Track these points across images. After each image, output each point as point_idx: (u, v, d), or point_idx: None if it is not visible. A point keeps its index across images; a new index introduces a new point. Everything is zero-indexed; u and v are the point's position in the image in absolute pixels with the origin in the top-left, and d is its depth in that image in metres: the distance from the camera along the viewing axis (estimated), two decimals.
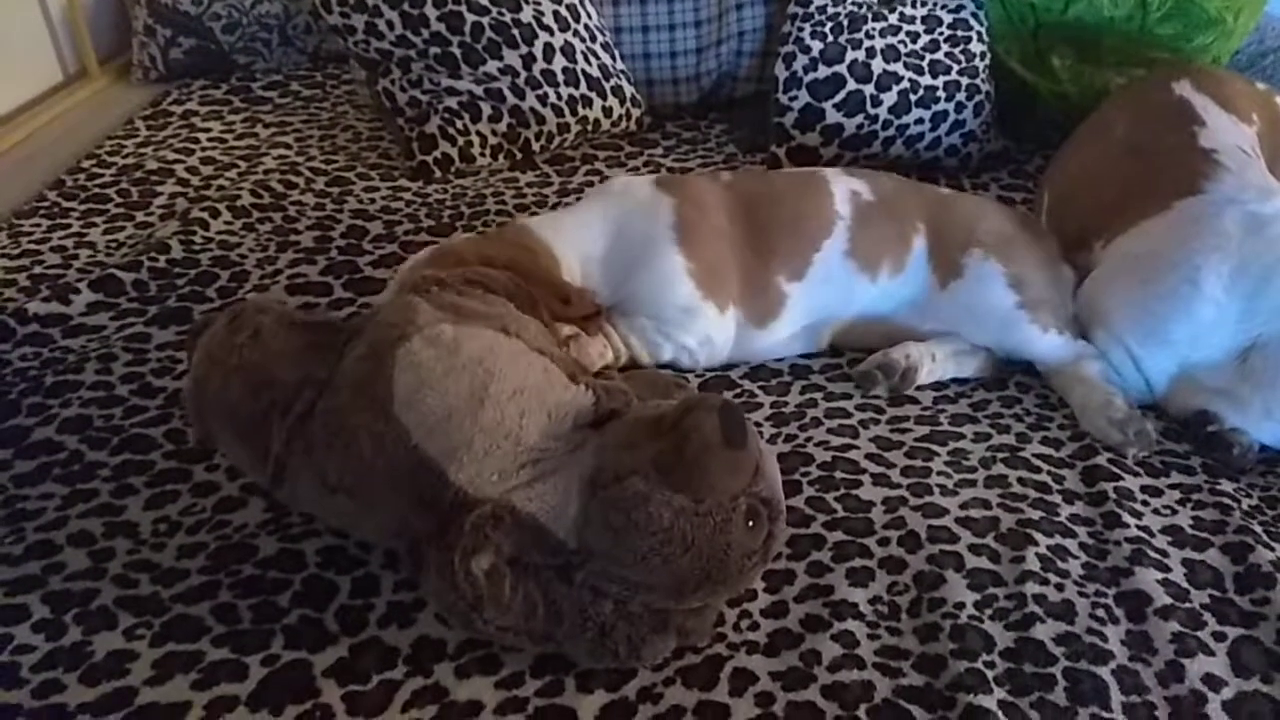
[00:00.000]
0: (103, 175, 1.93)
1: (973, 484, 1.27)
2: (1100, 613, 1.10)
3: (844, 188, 1.50)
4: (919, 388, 1.45)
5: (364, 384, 1.02)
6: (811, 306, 1.46)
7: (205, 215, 1.76)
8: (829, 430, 1.36)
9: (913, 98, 1.94)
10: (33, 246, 1.72)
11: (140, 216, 1.82)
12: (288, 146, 2.03)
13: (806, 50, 1.96)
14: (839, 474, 1.27)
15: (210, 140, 2.07)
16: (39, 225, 1.78)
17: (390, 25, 1.92)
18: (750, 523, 0.97)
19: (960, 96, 1.96)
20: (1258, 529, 1.21)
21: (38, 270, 1.65)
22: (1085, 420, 1.37)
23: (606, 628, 0.99)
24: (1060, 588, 1.12)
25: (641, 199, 1.45)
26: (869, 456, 1.31)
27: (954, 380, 1.47)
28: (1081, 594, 1.12)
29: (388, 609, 1.08)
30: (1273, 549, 1.18)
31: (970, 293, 1.44)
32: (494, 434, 1.00)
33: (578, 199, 1.62)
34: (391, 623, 1.06)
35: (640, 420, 1.03)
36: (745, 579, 1.02)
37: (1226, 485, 1.29)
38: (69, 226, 1.78)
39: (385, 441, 0.99)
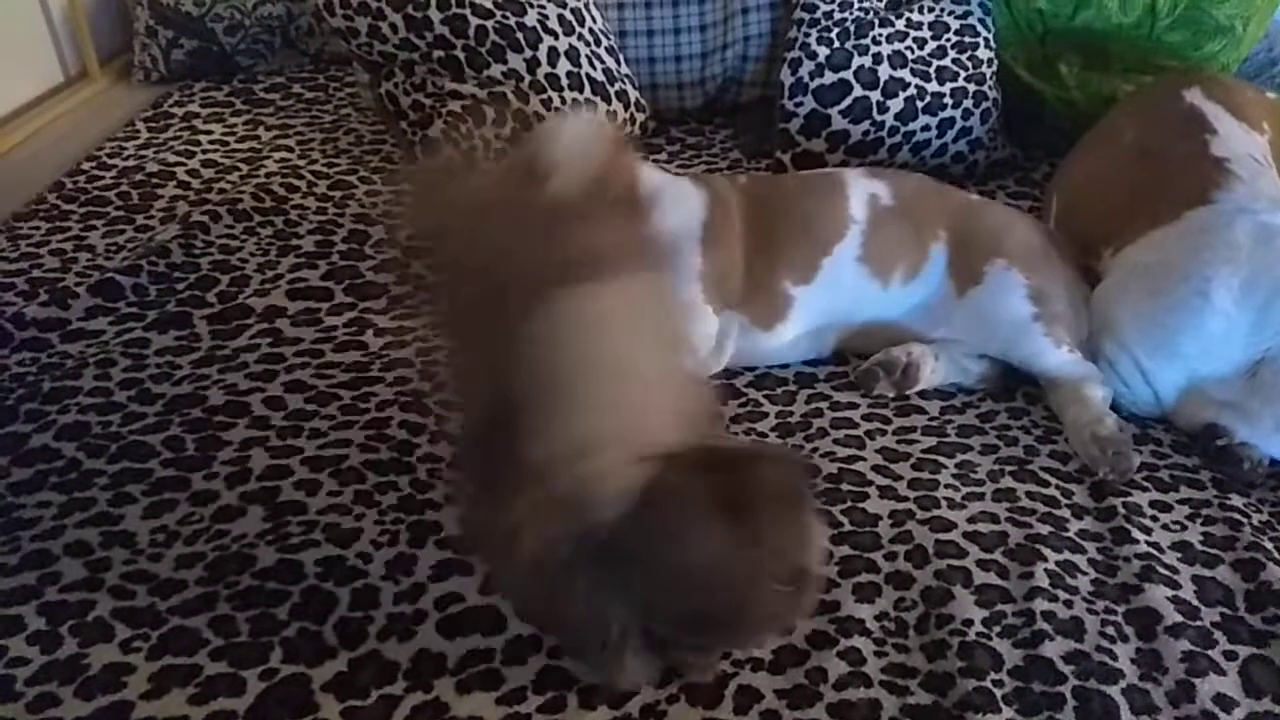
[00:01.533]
0: (103, 178, 1.92)
1: (980, 497, 1.26)
2: (1110, 630, 1.09)
3: (862, 190, 1.48)
4: (925, 397, 1.43)
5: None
6: (819, 311, 1.45)
7: (206, 219, 1.74)
8: (835, 441, 1.34)
9: (919, 104, 1.93)
10: (31, 249, 1.70)
11: (140, 219, 1.80)
12: (290, 149, 2.02)
13: (813, 56, 1.94)
14: (845, 486, 1.26)
15: (211, 143, 2.05)
16: (38, 228, 1.77)
17: (394, 28, 1.91)
18: (786, 586, 0.92)
19: (967, 103, 1.94)
20: (1269, 545, 1.20)
21: (36, 274, 1.64)
22: (1072, 436, 1.35)
23: (609, 640, 0.96)
24: (1069, 604, 1.11)
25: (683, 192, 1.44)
26: (875, 468, 1.30)
27: (961, 390, 1.46)
28: (1091, 611, 1.11)
29: (388, 621, 1.06)
30: None
31: (988, 300, 1.43)
32: (608, 418, 0.94)
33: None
34: (391, 636, 1.05)
35: (715, 450, 0.97)
36: (756, 639, 1.00)
37: (1237, 500, 1.27)
38: (68, 229, 1.76)
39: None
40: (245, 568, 1.12)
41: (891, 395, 1.42)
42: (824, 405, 1.42)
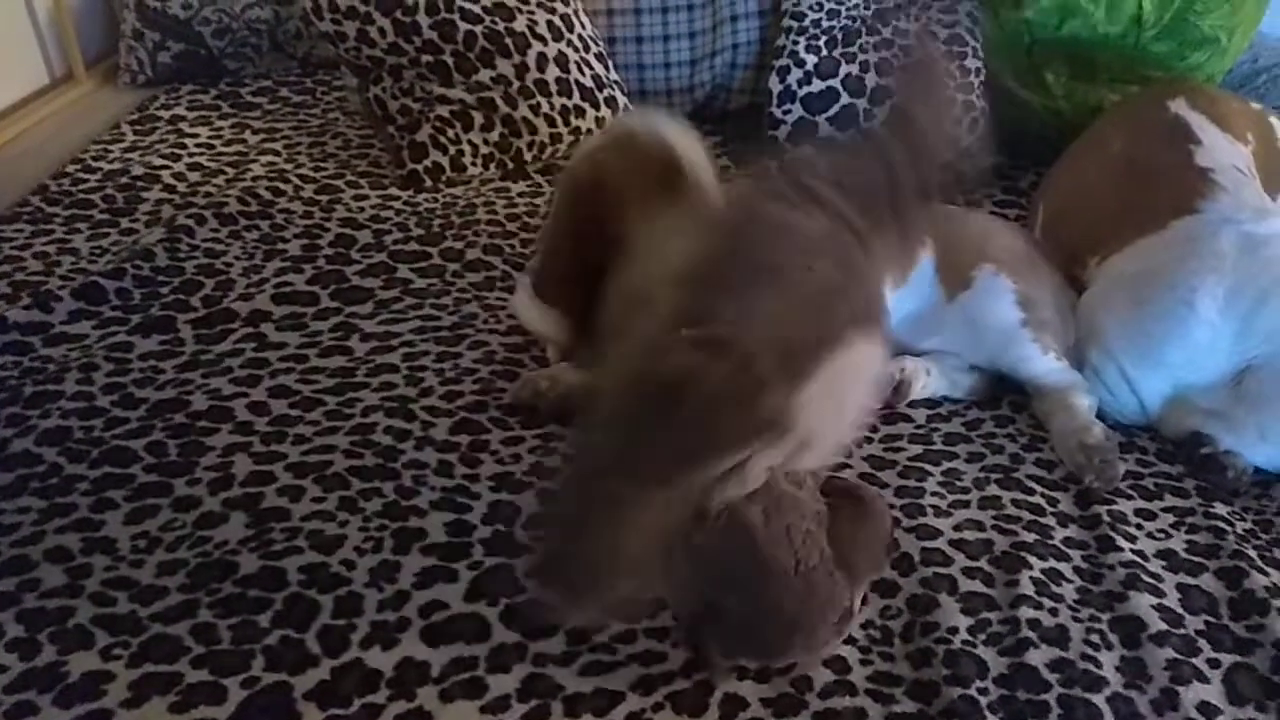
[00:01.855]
0: (87, 180, 1.91)
1: (966, 505, 1.26)
2: (1094, 638, 1.09)
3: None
4: (912, 405, 1.44)
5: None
6: None
7: (191, 222, 1.73)
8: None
9: None
10: (14, 253, 1.69)
11: (125, 223, 1.79)
12: (276, 153, 2.01)
13: (801, 64, 1.95)
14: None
15: (198, 146, 2.04)
16: (21, 231, 1.75)
17: (382, 32, 1.91)
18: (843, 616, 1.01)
19: (954, 112, 1.95)
20: (1252, 553, 1.20)
21: (19, 277, 1.62)
22: (1058, 444, 1.35)
23: (695, 627, 0.98)
24: (1054, 612, 1.11)
25: None
26: (862, 476, 1.30)
27: (946, 399, 1.46)
28: (1076, 619, 1.11)
29: (371, 629, 1.05)
30: (1267, 574, 1.17)
31: (977, 306, 1.43)
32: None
33: None
34: (374, 644, 1.04)
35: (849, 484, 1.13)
36: (808, 649, 1.02)
37: (1221, 509, 1.28)
38: (52, 233, 1.75)
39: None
40: (227, 574, 1.11)
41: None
42: None
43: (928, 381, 1.44)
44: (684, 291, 1.06)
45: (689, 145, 1.22)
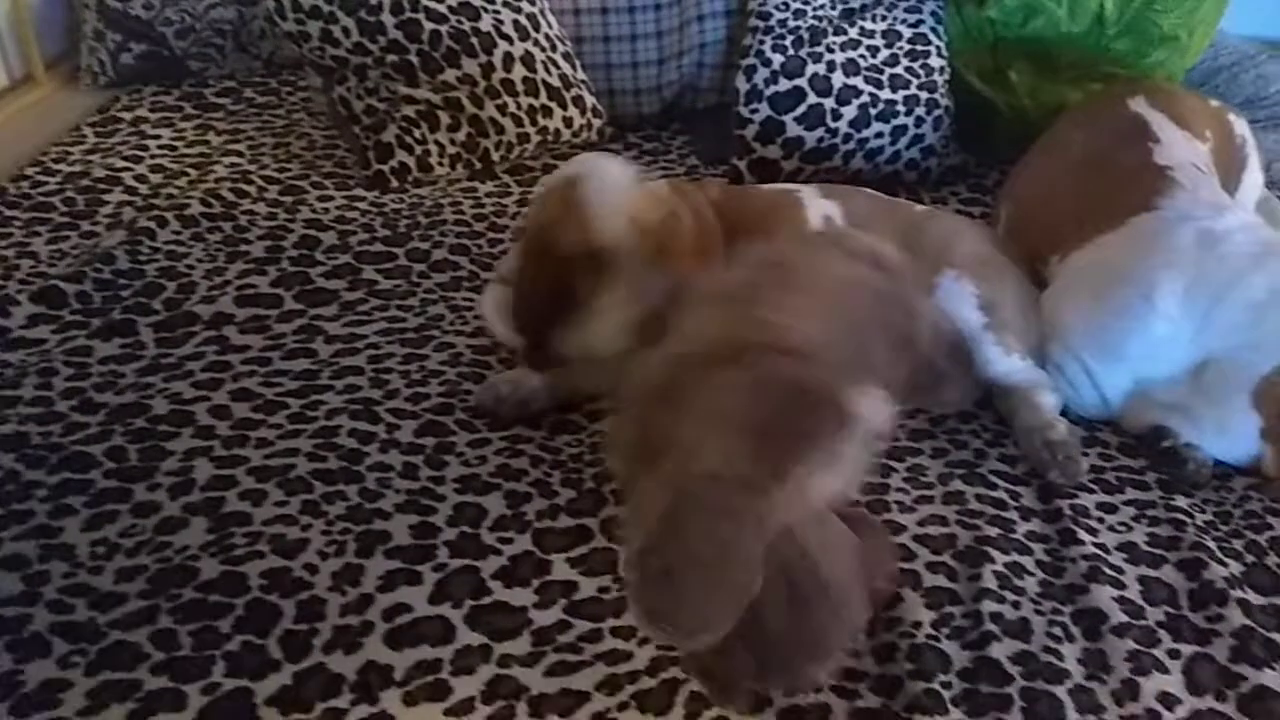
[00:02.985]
0: (47, 183, 1.88)
1: (930, 500, 1.27)
2: (1057, 631, 1.10)
3: (818, 212, 1.49)
4: None
5: None
6: None
7: (153, 225, 1.71)
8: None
9: (872, 111, 1.94)
10: None
11: (86, 226, 1.77)
12: (240, 154, 1.99)
13: (767, 63, 1.95)
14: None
15: (160, 148, 2.02)
16: None
17: (346, 32, 1.89)
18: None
19: (920, 111, 1.96)
20: (1211, 545, 1.22)
21: None
22: (1022, 440, 1.36)
23: (727, 643, 0.94)
24: (1017, 606, 1.12)
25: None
26: None
27: None
28: (1038, 612, 1.12)
29: (333, 634, 1.05)
30: (1226, 565, 1.19)
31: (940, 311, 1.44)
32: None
33: None
34: (337, 648, 1.03)
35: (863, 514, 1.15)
36: (812, 668, 0.99)
37: (1181, 501, 1.29)
38: (10, 235, 1.72)
39: None
40: (188, 580, 1.10)
41: None
42: None
43: None
44: (734, 306, 1.06)
45: (619, 205, 1.29)
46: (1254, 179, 1.77)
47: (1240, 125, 1.77)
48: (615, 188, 1.31)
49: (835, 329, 1.06)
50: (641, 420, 1.02)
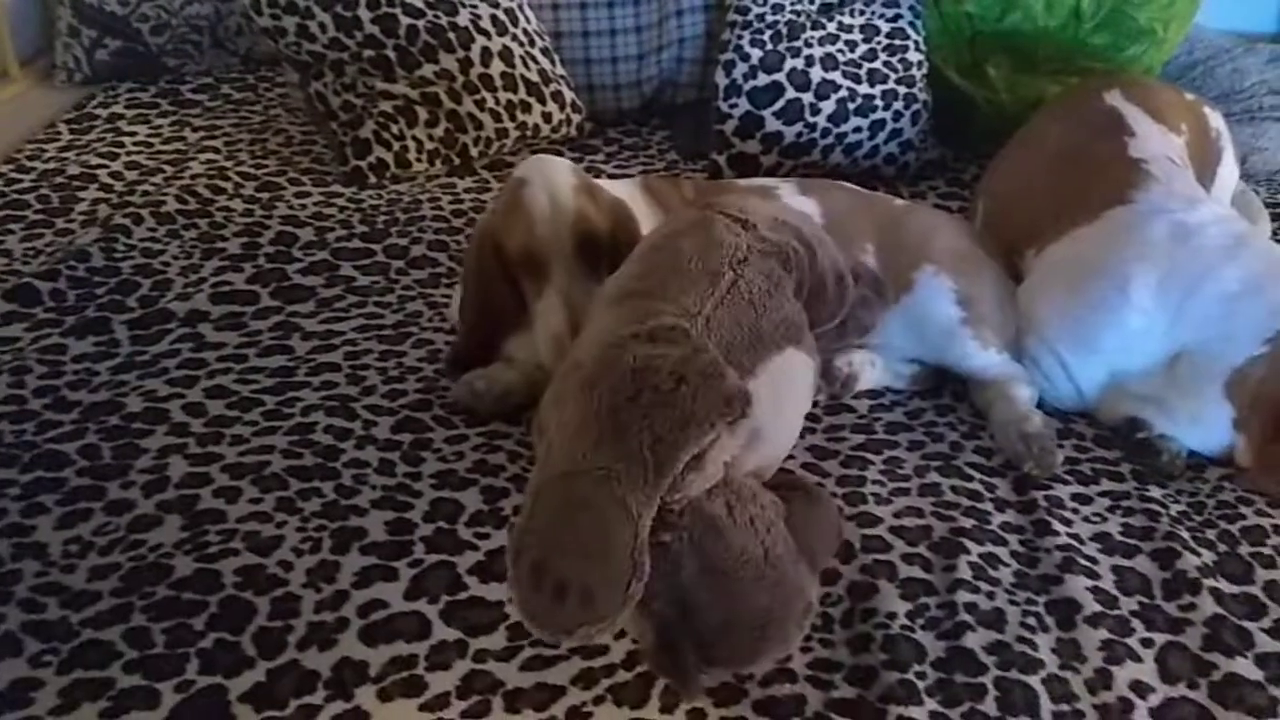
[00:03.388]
0: (21, 181, 1.86)
1: (906, 492, 1.27)
2: (1031, 621, 1.10)
3: (795, 208, 1.49)
4: (855, 395, 1.45)
5: None
6: None
7: (128, 222, 1.70)
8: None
9: (851, 106, 1.95)
10: None
11: (60, 223, 1.75)
12: (216, 151, 1.98)
13: (746, 58, 1.95)
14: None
15: (136, 144, 2.00)
16: None
17: (323, 27, 1.88)
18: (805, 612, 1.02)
19: (898, 105, 1.97)
20: (1185, 535, 1.22)
21: None
22: (998, 433, 1.37)
23: (669, 633, 0.96)
24: (991, 596, 1.12)
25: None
26: (805, 466, 1.30)
27: (889, 389, 1.47)
28: (1012, 602, 1.12)
29: (308, 630, 1.04)
30: (1199, 554, 1.19)
31: (918, 306, 1.44)
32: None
33: None
34: (311, 645, 1.03)
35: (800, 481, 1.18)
36: (769, 649, 1.00)
37: (1155, 492, 1.30)
38: None
39: None
40: (162, 578, 1.09)
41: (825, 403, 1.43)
42: None
43: (873, 374, 1.45)
44: (625, 302, 1.08)
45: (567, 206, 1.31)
46: (1229, 172, 1.78)
47: (1215, 118, 1.78)
48: (559, 192, 1.31)
49: (728, 305, 1.07)
50: (539, 429, 1.05)
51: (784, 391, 1.13)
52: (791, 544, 1.00)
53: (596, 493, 0.91)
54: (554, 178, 1.34)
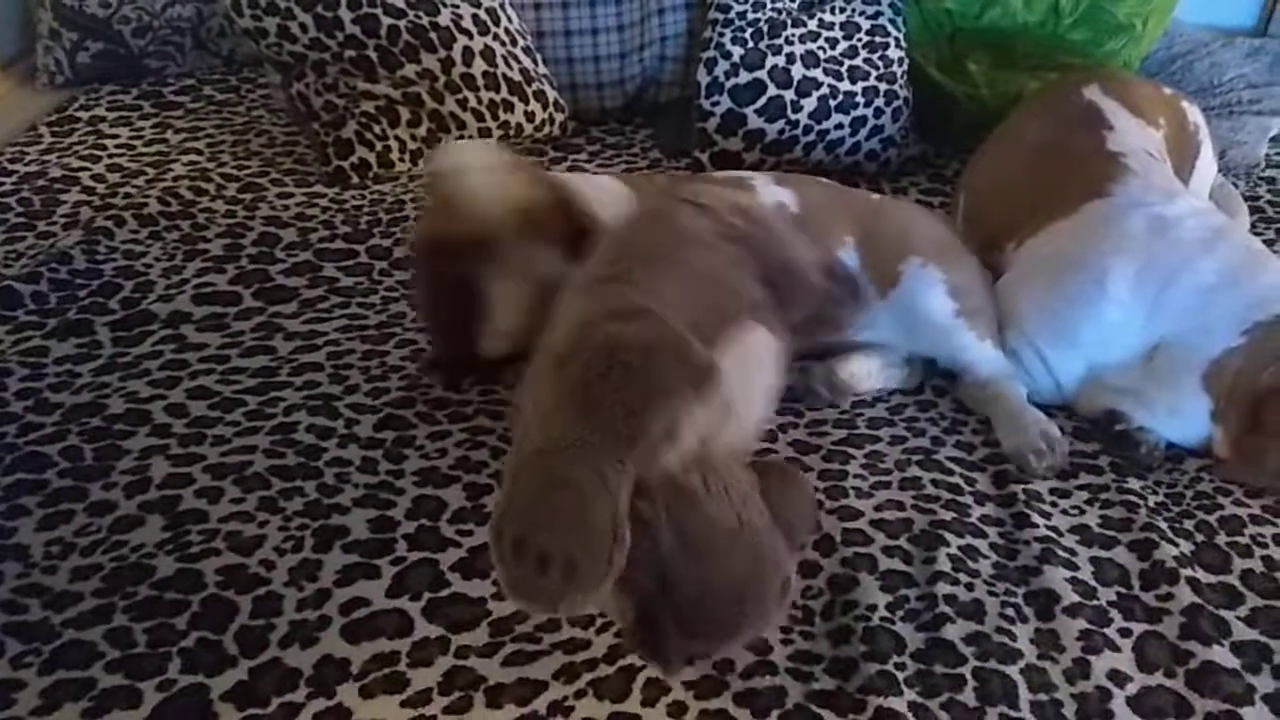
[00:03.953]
0: (3, 184, 1.86)
1: (888, 486, 1.28)
2: (1010, 612, 1.11)
3: (770, 199, 1.49)
4: None
5: None
6: None
7: (110, 224, 1.70)
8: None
9: (832, 103, 1.95)
10: None
11: (42, 226, 1.75)
12: (199, 152, 1.98)
13: (727, 56, 1.96)
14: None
15: (118, 147, 2.00)
16: None
17: (304, 28, 1.88)
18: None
19: (879, 102, 1.98)
20: (1163, 525, 1.23)
21: None
22: (1014, 432, 1.35)
23: (648, 608, 0.95)
24: (970, 587, 1.13)
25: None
26: (788, 460, 1.31)
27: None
28: (991, 593, 1.13)
29: (290, 628, 1.05)
30: (1176, 545, 1.21)
31: (909, 300, 1.43)
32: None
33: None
34: (293, 643, 1.03)
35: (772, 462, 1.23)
36: (752, 625, 1.00)
37: (1133, 483, 1.31)
38: None
39: None
40: (143, 578, 1.09)
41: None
42: None
43: (873, 380, 1.45)
44: (593, 288, 1.09)
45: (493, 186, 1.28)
46: (1207, 166, 1.79)
47: (1194, 113, 1.79)
48: (482, 173, 1.28)
49: (691, 284, 1.09)
50: (516, 412, 1.06)
51: (751, 367, 1.13)
52: (767, 515, 1.00)
53: (573, 467, 0.92)
54: (472, 161, 1.30)
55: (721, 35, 1.98)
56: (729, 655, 1.03)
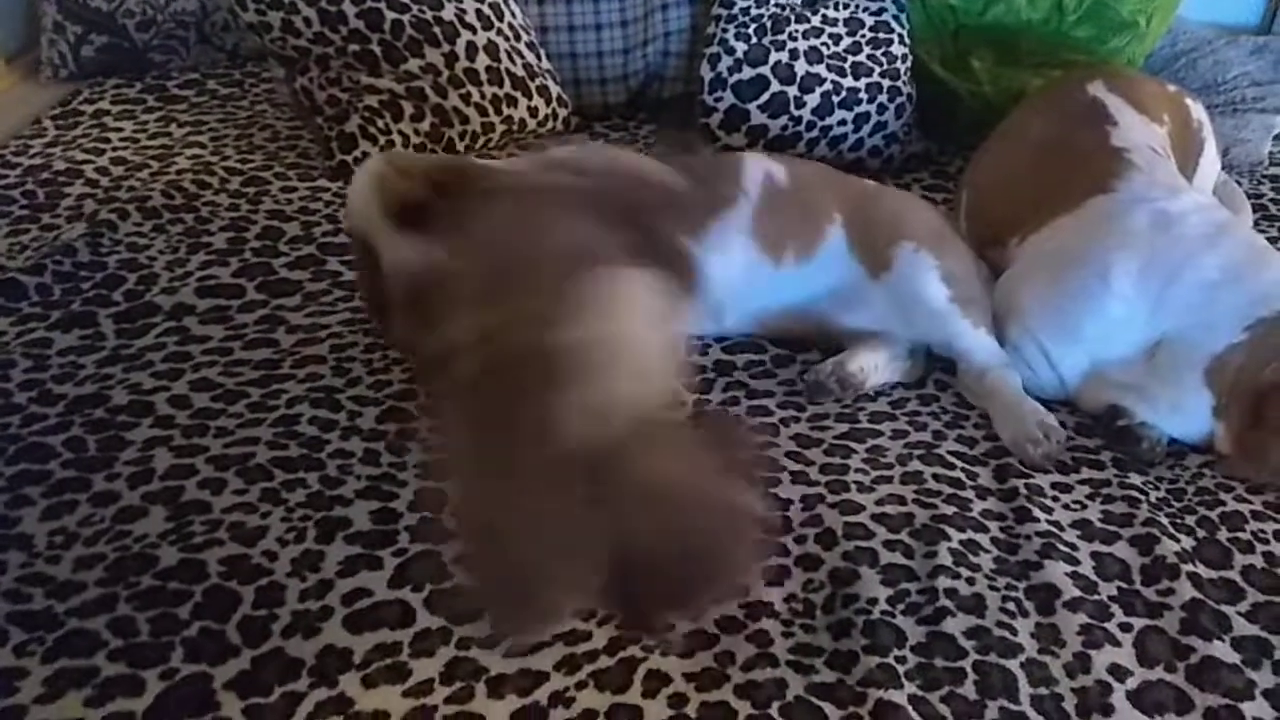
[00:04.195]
0: (7, 177, 1.86)
1: (889, 480, 1.28)
2: (1010, 606, 1.11)
3: (759, 169, 1.49)
4: None
5: None
6: (711, 280, 1.37)
7: (114, 217, 1.70)
8: (750, 428, 1.35)
9: (835, 99, 1.95)
10: None
11: (46, 219, 1.75)
12: (202, 146, 1.98)
13: (731, 52, 1.96)
14: (758, 472, 1.27)
15: (122, 140, 2.00)
16: None
17: (308, 22, 1.88)
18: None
19: (882, 98, 1.98)
20: (1164, 521, 1.24)
21: None
22: (1007, 421, 1.36)
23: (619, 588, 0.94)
24: (971, 582, 1.13)
25: None
26: (789, 454, 1.31)
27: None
28: (992, 588, 1.13)
29: (292, 618, 1.05)
30: (1178, 540, 1.21)
31: (902, 285, 1.44)
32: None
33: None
34: (296, 633, 1.04)
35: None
36: (717, 580, 1.00)
37: (1135, 479, 1.31)
38: None
39: None
40: (146, 568, 1.10)
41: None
42: (741, 394, 1.43)
43: (879, 375, 1.45)
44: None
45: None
46: (1210, 163, 1.79)
47: (1197, 110, 1.79)
48: (360, 176, 1.31)
49: (541, 265, 1.07)
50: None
51: (635, 315, 1.07)
52: (711, 462, 0.98)
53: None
54: (365, 166, 1.33)
55: (725, 31, 1.98)
56: (712, 609, 1.03)
